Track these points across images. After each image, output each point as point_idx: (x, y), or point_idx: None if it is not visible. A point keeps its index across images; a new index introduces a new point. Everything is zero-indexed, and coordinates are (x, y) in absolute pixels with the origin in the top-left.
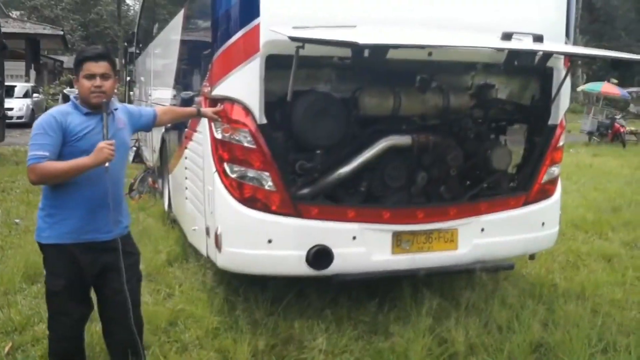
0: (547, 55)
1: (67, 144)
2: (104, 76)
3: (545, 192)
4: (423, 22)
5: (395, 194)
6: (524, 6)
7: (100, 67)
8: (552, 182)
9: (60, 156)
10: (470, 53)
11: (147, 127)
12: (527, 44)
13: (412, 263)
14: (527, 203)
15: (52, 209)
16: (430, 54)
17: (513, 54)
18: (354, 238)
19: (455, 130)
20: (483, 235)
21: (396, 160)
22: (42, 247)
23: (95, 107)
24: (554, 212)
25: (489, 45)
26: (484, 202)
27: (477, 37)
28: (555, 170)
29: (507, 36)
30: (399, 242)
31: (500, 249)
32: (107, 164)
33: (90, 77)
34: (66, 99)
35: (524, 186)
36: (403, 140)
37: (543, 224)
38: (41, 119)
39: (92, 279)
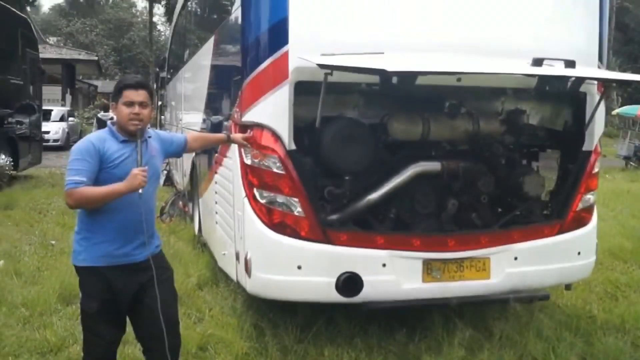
0: (580, 80)
1: (103, 170)
2: (142, 104)
3: (580, 220)
4: (451, 48)
5: (425, 220)
6: (555, 30)
7: (140, 95)
8: (588, 209)
9: (96, 182)
10: (500, 78)
11: (178, 154)
12: (558, 69)
13: (444, 292)
14: (561, 231)
15: (88, 232)
16: (459, 79)
17: (544, 79)
18: (384, 265)
19: (485, 156)
20: (516, 264)
21: (426, 186)
22: (78, 269)
23: (132, 134)
24: (590, 240)
25: (518, 72)
26: (516, 230)
27: (507, 62)
28: (590, 197)
29: (537, 62)
30: (429, 270)
31: (535, 279)
32: (140, 190)
33: (130, 104)
34: (100, 122)
35: (559, 214)
36: (432, 166)
37: (579, 253)
38: (79, 145)
39: (127, 300)
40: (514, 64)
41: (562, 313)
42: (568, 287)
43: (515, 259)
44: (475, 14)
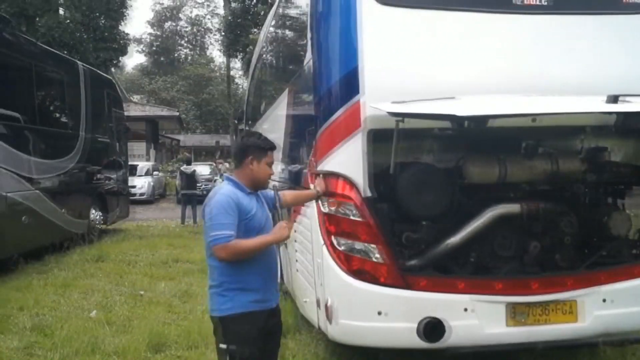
0: None
1: (241, 222)
2: None
3: None
4: (523, 89)
5: (507, 263)
6: (629, 67)
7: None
8: None
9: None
10: (577, 117)
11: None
12: (634, 105)
13: (529, 336)
14: None
15: (232, 283)
16: (534, 120)
17: (622, 115)
18: (466, 310)
19: (567, 196)
20: (605, 307)
21: (506, 229)
22: (224, 320)
23: (256, 188)
24: None
25: (590, 110)
26: (604, 271)
27: (581, 101)
28: None
29: (612, 98)
30: (513, 314)
31: (626, 321)
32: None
33: (270, 165)
34: (183, 175)
35: None
36: (512, 208)
37: None
38: (220, 200)
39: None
40: (588, 102)
41: None
42: None
43: (604, 301)
44: (545, 53)
